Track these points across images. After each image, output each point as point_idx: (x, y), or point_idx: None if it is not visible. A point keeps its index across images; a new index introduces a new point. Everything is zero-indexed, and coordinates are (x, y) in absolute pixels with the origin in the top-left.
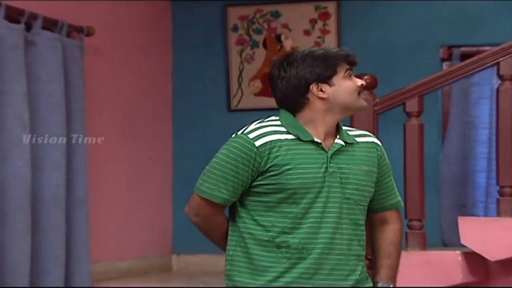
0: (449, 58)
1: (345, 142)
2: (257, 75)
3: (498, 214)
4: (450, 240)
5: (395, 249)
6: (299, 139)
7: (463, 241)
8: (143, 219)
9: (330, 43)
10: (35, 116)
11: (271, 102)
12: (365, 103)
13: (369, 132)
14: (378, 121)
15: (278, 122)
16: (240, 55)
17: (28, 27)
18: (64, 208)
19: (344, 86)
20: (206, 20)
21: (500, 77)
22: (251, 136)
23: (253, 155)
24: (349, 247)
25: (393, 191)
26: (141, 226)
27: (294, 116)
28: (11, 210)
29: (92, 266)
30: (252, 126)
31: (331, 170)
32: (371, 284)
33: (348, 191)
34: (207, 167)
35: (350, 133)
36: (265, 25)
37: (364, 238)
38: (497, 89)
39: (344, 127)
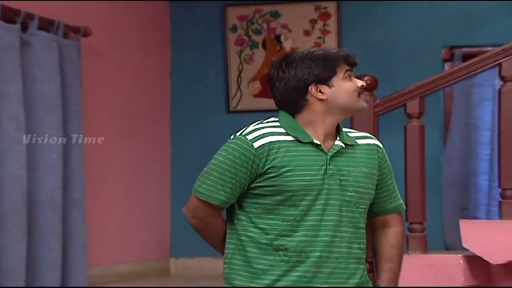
0: (451, 58)
1: (345, 144)
2: (257, 76)
3: (500, 217)
4: (452, 243)
5: (397, 252)
6: (298, 140)
7: (464, 244)
8: (141, 222)
9: (330, 43)
10: (31, 118)
11: (270, 103)
12: (365, 105)
13: (371, 134)
14: (379, 123)
15: (278, 124)
16: (239, 55)
17: (24, 28)
18: (60, 210)
19: (344, 87)
20: (204, 20)
21: (502, 78)
22: (249, 137)
23: (252, 157)
24: (349, 250)
25: (394, 194)
26: (139, 229)
27: (294, 117)
28: (7, 213)
29: (89, 270)
30: (250, 128)
31: (330, 172)
32: None
33: (348, 193)
34: (205, 168)
35: (350, 135)
36: (265, 26)
37: (365, 241)
38: (499, 90)
39: (344, 129)
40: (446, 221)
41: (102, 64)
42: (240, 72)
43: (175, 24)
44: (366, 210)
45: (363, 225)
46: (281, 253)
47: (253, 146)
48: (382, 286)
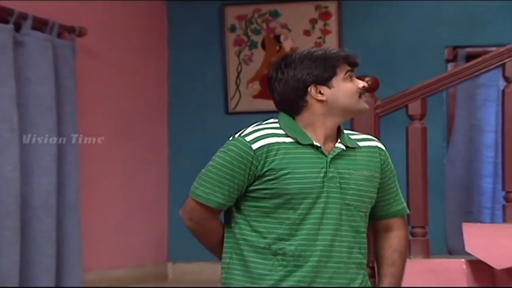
0: (454, 59)
1: (346, 146)
2: (256, 77)
3: (504, 220)
4: (455, 248)
5: (400, 256)
6: (298, 142)
7: (467, 249)
8: (137, 225)
9: (331, 43)
10: (25, 119)
11: (269, 104)
12: (366, 106)
13: (373, 136)
14: (380, 124)
15: (277, 125)
16: (238, 56)
17: (18, 27)
18: (54, 213)
19: (344, 88)
20: (202, 20)
21: (506, 78)
22: (248, 139)
23: (250, 159)
24: (349, 255)
25: (397, 197)
26: (136, 233)
27: (294, 119)
28: (0, 216)
29: (84, 275)
30: (249, 129)
31: (330, 175)
32: None
33: (348, 197)
34: (202, 170)
35: (352, 137)
36: (264, 25)
37: (365, 245)
38: (503, 91)
39: (346, 131)
40: (449, 225)
41: (99, 65)
42: (239, 73)
43: (172, 23)
44: (367, 214)
45: (364, 229)
46: (279, 257)
47: (251, 147)
48: None
